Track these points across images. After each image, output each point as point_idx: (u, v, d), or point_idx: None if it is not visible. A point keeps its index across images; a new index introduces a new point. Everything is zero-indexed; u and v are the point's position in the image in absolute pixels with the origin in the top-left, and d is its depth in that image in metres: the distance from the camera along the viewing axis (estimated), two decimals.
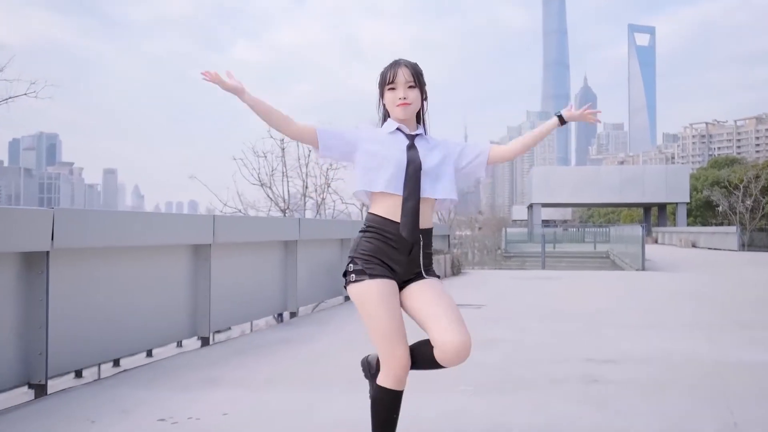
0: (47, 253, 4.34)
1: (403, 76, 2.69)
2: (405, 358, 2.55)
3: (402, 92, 2.68)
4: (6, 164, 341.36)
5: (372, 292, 2.52)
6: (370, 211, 2.69)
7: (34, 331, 4.32)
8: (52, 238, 4.31)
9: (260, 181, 15.02)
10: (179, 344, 6.36)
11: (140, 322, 5.39)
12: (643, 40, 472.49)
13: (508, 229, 44.09)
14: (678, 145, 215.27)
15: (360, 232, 2.67)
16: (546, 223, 66.11)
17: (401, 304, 2.63)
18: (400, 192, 2.58)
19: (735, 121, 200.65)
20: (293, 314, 8.12)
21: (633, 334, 6.51)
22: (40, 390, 4.32)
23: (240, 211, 15.13)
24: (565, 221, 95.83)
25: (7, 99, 16.32)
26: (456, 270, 15.27)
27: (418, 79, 2.72)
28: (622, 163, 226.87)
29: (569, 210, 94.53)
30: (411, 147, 2.68)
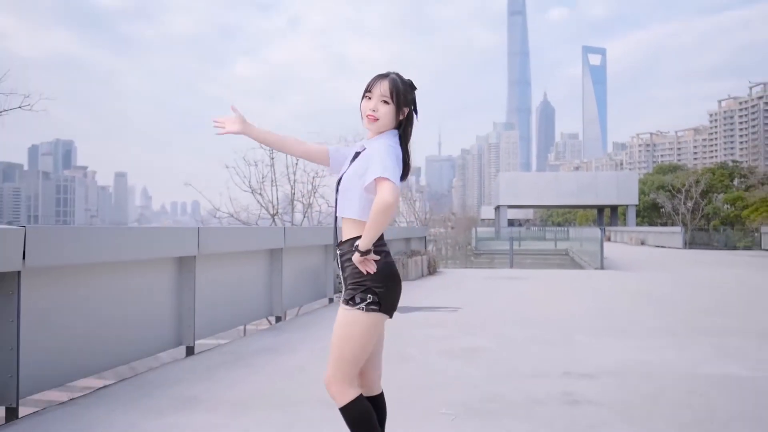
0: (18, 273, 3.74)
1: (380, 89, 2.30)
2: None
3: (373, 104, 2.30)
4: (26, 168, 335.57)
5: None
6: None
7: (5, 354, 3.72)
8: (24, 257, 3.71)
9: (251, 187, 14.43)
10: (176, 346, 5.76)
11: (121, 337, 4.78)
12: (595, 60, 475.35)
13: (478, 228, 43.68)
14: (626, 153, 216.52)
15: None
16: (510, 222, 65.84)
17: None
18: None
19: (676, 132, 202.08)
20: (279, 319, 7.55)
21: (604, 342, 6.00)
22: (11, 413, 3.73)
23: (232, 215, 14.52)
24: (527, 220, 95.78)
25: (0, 112, 15.48)
26: (432, 270, 14.75)
27: (395, 96, 2.30)
28: (577, 168, 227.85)
29: (531, 210, 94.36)
30: (350, 163, 2.41)
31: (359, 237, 2.27)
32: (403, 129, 2.39)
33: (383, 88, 2.30)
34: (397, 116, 2.33)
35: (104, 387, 4.39)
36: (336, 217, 2.40)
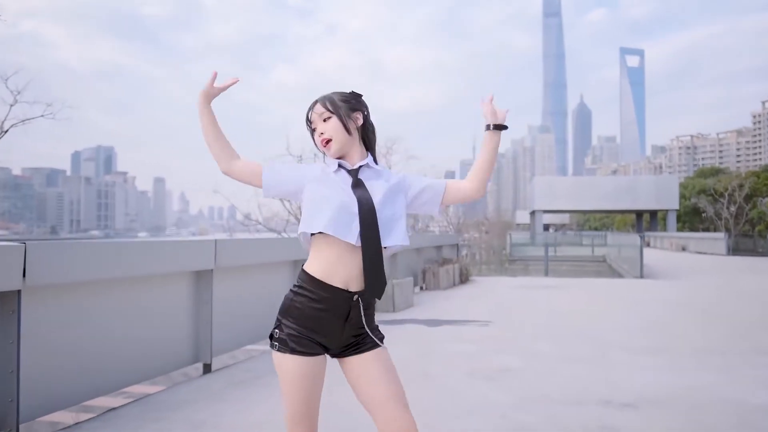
0: (19, 291, 3.56)
1: (316, 112, 2.06)
2: None
3: (320, 128, 2.04)
4: (68, 173, 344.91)
5: (292, 370, 1.94)
6: (304, 267, 1.99)
7: (5, 376, 3.54)
8: (24, 275, 3.53)
9: None
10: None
11: (132, 356, 4.58)
12: (633, 61, 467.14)
13: (513, 234, 42.97)
14: (665, 156, 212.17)
15: (291, 290, 2.01)
16: (546, 227, 64.76)
17: (344, 374, 2.04)
18: (346, 237, 1.91)
19: (717, 134, 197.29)
20: None
21: (645, 363, 5.58)
22: None
23: (260, 223, 14.40)
24: (563, 225, 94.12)
25: (23, 120, 15.72)
26: (464, 278, 14.37)
27: (332, 106, 2.04)
28: (614, 172, 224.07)
29: (567, 215, 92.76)
30: (357, 184, 1.99)
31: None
32: (367, 139, 2.13)
33: (317, 109, 2.06)
34: (347, 126, 2.04)
35: (112, 409, 4.19)
36: (375, 252, 1.93)
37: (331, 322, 1.95)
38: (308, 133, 2.12)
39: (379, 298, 1.99)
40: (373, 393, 1.96)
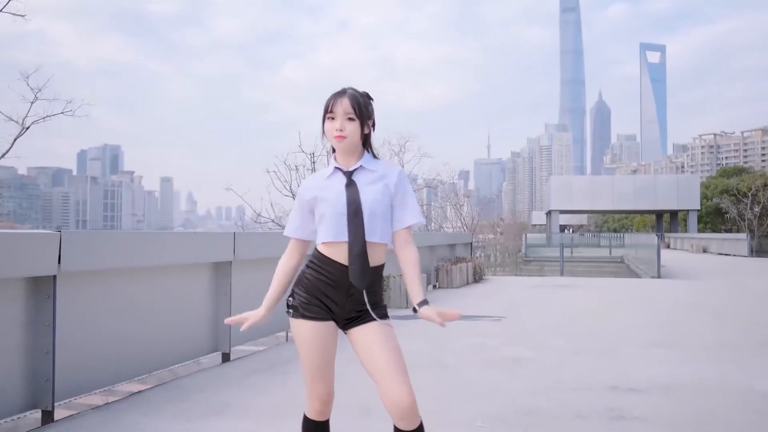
0: (54, 277, 3.88)
1: (342, 107, 2.29)
2: (325, 394, 2.36)
3: (339, 123, 2.29)
4: (75, 173, 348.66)
5: (304, 334, 2.29)
6: (317, 246, 2.34)
7: (41, 357, 3.86)
8: (59, 262, 3.85)
9: (292, 192, 14.59)
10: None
11: (156, 342, 4.90)
12: (654, 57, 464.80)
13: (528, 234, 43.09)
14: (687, 155, 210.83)
15: (305, 265, 2.38)
16: (562, 228, 64.75)
17: (352, 347, 2.32)
18: (342, 238, 2.25)
19: (742, 132, 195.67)
20: None
21: (656, 355, 5.83)
22: (47, 416, 3.86)
23: (274, 221, 14.75)
24: (581, 226, 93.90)
25: (44, 117, 16.30)
26: (478, 277, 14.62)
27: (359, 111, 2.31)
28: (634, 171, 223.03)
29: (585, 215, 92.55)
30: (349, 184, 2.30)
31: (382, 264, 2.33)
32: (367, 141, 2.41)
33: (345, 105, 2.29)
34: (362, 131, 2.34)
35: (139, 392, 4.50)
36: (360, 246, 2.23)
37: (334, 294, 2.27)
38: (320, 120, 2.34)
39: (363, 288, 2.26)
40: (372, 361, 2.24)
